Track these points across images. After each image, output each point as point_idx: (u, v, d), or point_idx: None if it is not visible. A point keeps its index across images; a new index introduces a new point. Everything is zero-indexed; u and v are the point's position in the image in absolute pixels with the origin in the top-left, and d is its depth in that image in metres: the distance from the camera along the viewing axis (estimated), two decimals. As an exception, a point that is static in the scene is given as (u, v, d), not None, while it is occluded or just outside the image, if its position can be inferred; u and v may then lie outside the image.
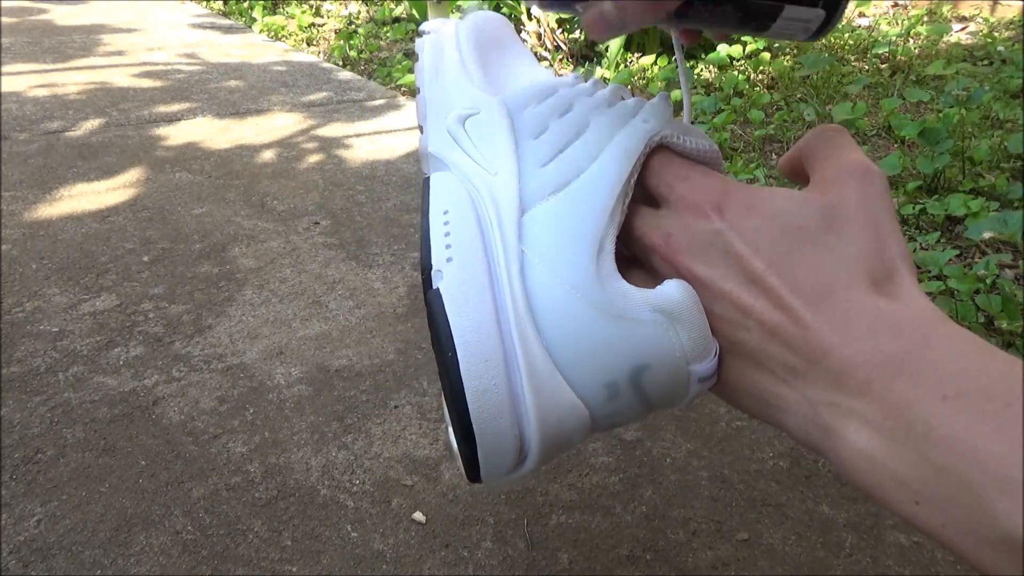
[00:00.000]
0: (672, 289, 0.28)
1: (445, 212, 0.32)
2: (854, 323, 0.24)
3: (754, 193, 0.28)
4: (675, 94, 1.42)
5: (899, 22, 2.45)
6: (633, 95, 0.39)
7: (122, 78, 1.69)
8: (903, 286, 0.25)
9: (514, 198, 0.32)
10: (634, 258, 0.31)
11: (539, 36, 2.07)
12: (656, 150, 0.31)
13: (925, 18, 2.51)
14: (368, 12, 2.71)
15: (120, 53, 1.97)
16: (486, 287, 0.29)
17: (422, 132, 0.39)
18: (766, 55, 1.83)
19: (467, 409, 0.27)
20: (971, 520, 0.21)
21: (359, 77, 1.75)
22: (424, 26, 0.44)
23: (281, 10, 2.68)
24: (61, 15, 2.54)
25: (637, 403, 0.29)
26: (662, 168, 0.30)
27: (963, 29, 2.41)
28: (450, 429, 0.29)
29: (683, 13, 0.32)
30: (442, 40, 0.42)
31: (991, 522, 0.20)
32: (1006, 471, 0.20)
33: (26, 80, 1.64)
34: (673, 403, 0.29)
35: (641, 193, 0.31)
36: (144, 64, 1.84)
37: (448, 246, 0.31)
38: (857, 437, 0.23)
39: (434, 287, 0.29)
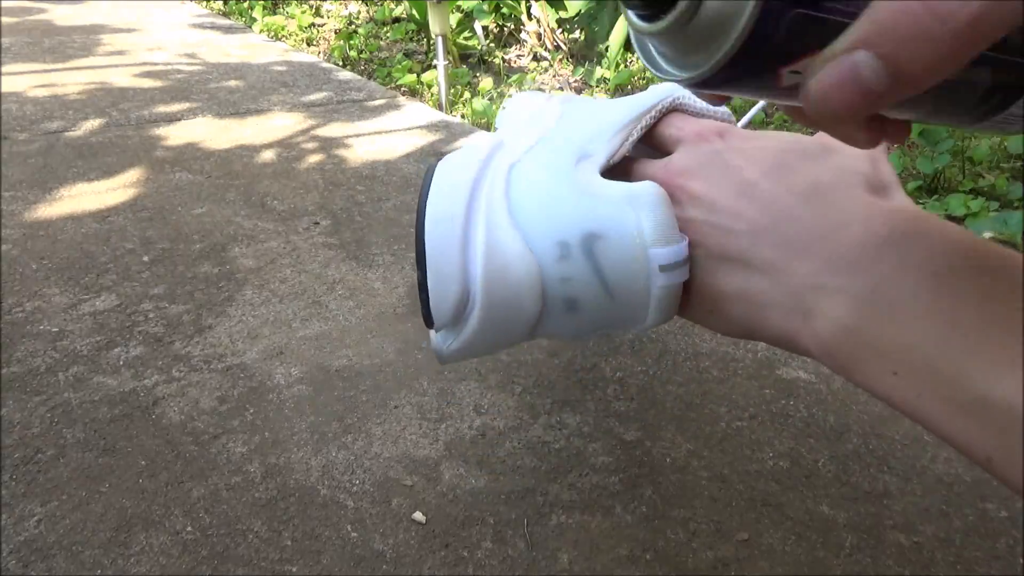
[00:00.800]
0: (642, 184, 0.29)
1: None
2: (850, 213, 0.25)
3: (758, 131, 0.29)
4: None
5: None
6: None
7: (122, 78, 1.69)
8: (897, 196, 0.26)
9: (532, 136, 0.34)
10: None
11: (539, 36, 2.07)
12: (672, 111, 0.32)
13: (925, 18, 2.51)
14: (368, 12, 2.71)
15: (120, 53, 1.97)
16: (477, 162, 0.32)
17: None
18: (766, 55, 1.83)
19: (423, 230, 0.29)
20: (947, 386, 0.21)
21: (359, 77, 1.75)
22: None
23: (281, 10, 2.68)
24: (61, 15, 2.54)
25: (590, 274, 0.29)
26: (676, 119, 0.32)
27: (963, 29, 2.40)
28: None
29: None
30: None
31: (966, 384, 0.21)
32: (983, 335, 0.20)
33: (26, 80, 1.64)
34: (633, 288, 0.29)
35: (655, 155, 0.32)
36: (144, 64, 1.84)
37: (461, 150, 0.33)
38: (840, 312, 0.23)
39: None
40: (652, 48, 0.21)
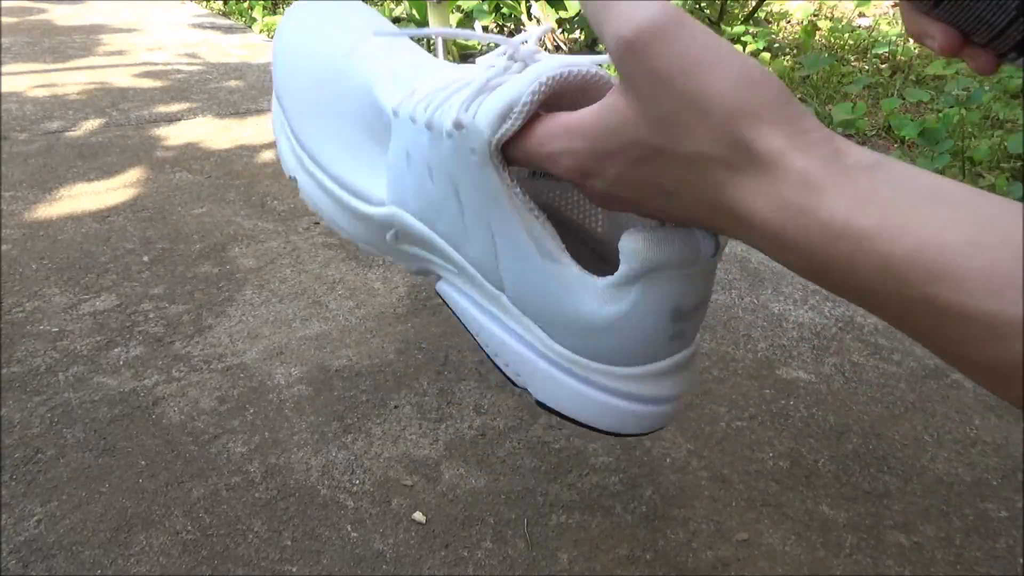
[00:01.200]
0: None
1: None
2: (814, 144, 0.27)
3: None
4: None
5: (899, 22, 2.44)
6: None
7: (122, 78, 1.69)
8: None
9: None
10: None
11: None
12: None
13: (925, 18, 2.50)
14: (368, 12, 2.71)
15: (120, 53, 1.97)
16: None
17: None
18: (766, 55, 1.83)
19: None
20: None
21: (359, 77, 1.75)
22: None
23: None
24: (61, 15, 2.54)
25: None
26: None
27: (963, 29, 2.40)
28: None
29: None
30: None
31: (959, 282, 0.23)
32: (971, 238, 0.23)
33: (26, 80, 1.64)
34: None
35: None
36: (144, 64, 1.84)
37: None
38: (837, 203, 0.26)
39: None
40: None
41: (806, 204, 0.27)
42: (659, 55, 0.28)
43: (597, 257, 0.44)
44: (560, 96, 0.38)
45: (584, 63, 0.38)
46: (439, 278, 0.46)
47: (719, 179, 0.29)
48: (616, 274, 0.37)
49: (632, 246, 0.37)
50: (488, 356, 0.44)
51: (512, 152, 0.34)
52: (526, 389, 0.42)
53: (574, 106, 0.36)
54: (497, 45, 0.40)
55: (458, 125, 0.37)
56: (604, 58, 0.38)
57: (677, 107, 0.28)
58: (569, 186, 0.44)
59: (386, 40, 0.49)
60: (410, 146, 0.41)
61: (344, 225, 0.47)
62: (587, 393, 0.41)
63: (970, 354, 0.24)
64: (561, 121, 0.32)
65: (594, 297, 0.39)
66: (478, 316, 0.44)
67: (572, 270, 0.39)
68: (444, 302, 0.45)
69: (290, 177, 0.49)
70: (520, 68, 0.39)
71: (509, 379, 0.45)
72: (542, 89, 0.36)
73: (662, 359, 0.39)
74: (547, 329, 0.41)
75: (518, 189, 0.38)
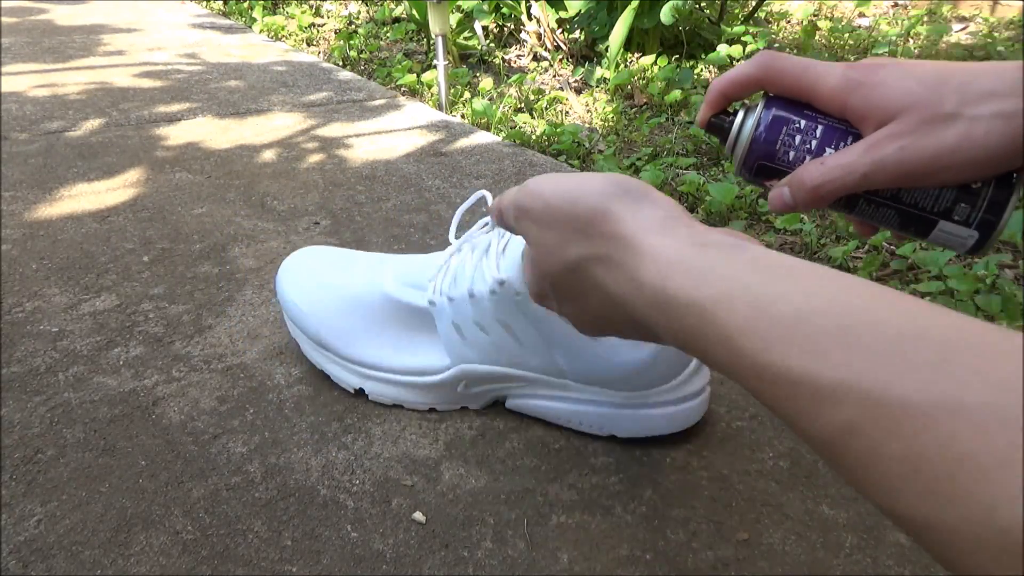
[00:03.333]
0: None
1: None
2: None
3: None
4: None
5: (899, 22, 2.44)
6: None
7: (122, 78, 1.69)
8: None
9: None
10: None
11: (539, 36, 2.07)
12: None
13: (925, 18, 2.51)
14: (368, 12, 2.71)
15: (120, 53, 1.97)
16: None
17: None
18: (766, 55, 1.83)
19: None
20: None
21: (359, 77, 1.75)
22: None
23: (281, 10, 2.68)
24: (61, 15, 2.54)
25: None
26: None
27: (963, 29, 2.41)
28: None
29: (851, 208, 0.42)
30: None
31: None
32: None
33: (26, 80, 1.64)
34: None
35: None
36: (144, 64, 1.84)
37: None
38: (683, 279, 0.30)
39: None
40: (729, 157, 0.46)
41: (656, 280, 0.29)
42: (529, 209, 0.37)
43: None
44: None
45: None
46: (505, 400, 0.59)
47: (598, 274, 0.33)
48: None
49: None
50: (574, 430, 0.58)
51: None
52: (613, 435, 0.57)
53: None
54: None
55: (500, 282, 0.52)
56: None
57: (549, 232, 0.35)
58: None
59: (368, 260, 0.64)
60: (455, 318, 0.55)
61: (422, 399, 0.60)
62: (652, 414, 0.55)
63: (804, 425, 0.23)
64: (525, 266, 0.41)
65: (632, 348, 0.53)
66: (554, 405, 0.57)
67: (611, 337, 0.51)
68: (521, 413, 0.59)
69: (357, 391, 0.61)
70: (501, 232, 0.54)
71: (595, 435, 0.58)
72: None
73: (688, 364, 0.55)
74: (609, 385, 0.55)
75: None
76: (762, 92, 0.44)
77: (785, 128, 0.42)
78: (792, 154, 0.42)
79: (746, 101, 0.45)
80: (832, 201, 0.41)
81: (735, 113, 0.45)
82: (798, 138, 0.42)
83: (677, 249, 0.29)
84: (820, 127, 0.42)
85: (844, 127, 0.41)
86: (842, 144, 0.41)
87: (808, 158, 0.42)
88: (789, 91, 0.42)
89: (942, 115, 0.36)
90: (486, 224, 0.56)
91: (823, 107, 0.42)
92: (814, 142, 0.42)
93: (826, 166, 0.40)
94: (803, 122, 0.42)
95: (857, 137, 0.41)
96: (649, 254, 0.30)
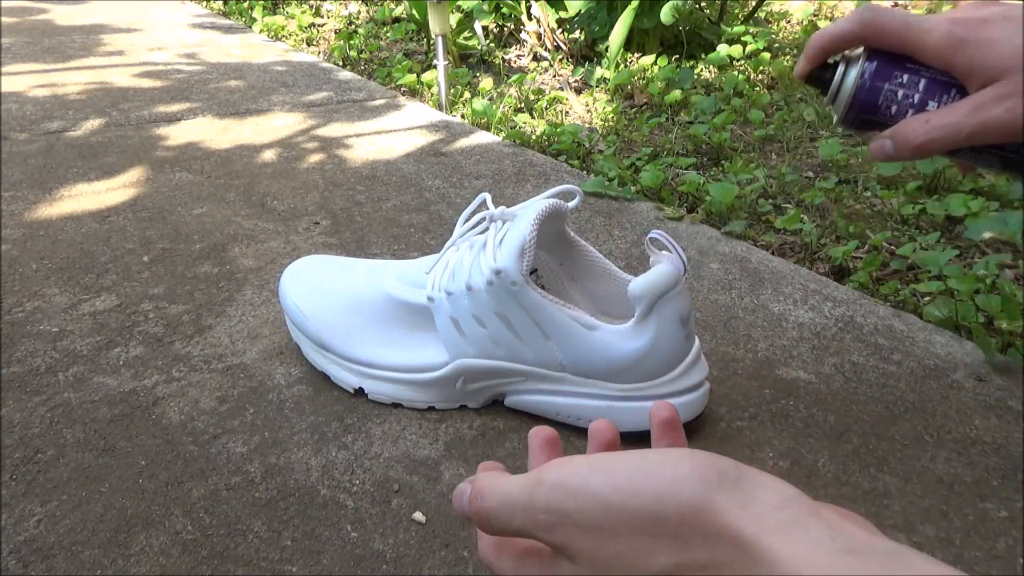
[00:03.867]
0: None
1: None
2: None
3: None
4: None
5: (899, 22, 2.43)
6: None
7: (122, 78, 1.69)
8: None
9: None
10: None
11: (539, 36, 2.07)
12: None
13: (925, 18, 2.50)
14: (368, 12, 2.71)
15: (120, 53, 1.97)
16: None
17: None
18: (766, 55, 1.83)
19: None
20: None
21: (359, 77, 1.75)
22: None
23: (281, 10, 2.68)
24: (61, 15, 2.54)
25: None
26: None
27: (963, 29, 2.40)
28: None
29: (952, 153, 0.43)
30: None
31: None
32: None
33: (26, 80, 1.64)
34: None
35: None
36: (144, 64, 1.84)
37: None
38: None
39: None
40: (830, 109, 0.48)
41: None
42: (573, 513, 0.26)
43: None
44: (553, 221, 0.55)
45: (552, 201, 0.53)
46: (504, 398, 0.59)
47: None
48: (635, 315, 0.52)
49: (638, 291, 0.51)
50: (574, 428, 0.57)
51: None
52: None
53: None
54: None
55: (497, 272, 0.52)
56: (572, 204, 0.55)
57: (614, 541, 0.25)
58: (561, 284, 0.61)
59: (369, 264, 0.65)
60: (453, 313, 0.56)
61: (421, 397, 0.60)
62: (651, 407, 0.53)
63: None
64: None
65: (628, 338, 0.53)
66: (553, 399, 0.57)
67: (607, 328, 0.53)
68: (520, 413, 0.59)
69: (357, 391, 0.61)
70: (500, 225, 0.55)
71: None
72: (535, 227, 0.52)
73: (686, 356, 0.55)
74: (606, 377, 0.55)
75: (548, 295, 0.53)
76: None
77: (888, 82, 0.42)
78: (894, 107, 0.42)
79: (846, 53, 0.45)
80: (944, 153, 0.42)
81: (835, 65, 0.45)
82: (900, 92, 0.42)
83: (815, 557, 0.22)
84: (923, 80, 0.41)
85: (947, 79, 0.41)
86: (945, 98, 0.41)
87: (911, 111, 0.42)
88: (892, 47, 0.42)
89: None
90: (483, 222, 0.57)
91: (926, 62, 0.41)
92: (917, 96, 0.42)
93: (931, 124, 0.39)
94: (906, 76, 0.42)
95: (960, 90, 0.41)
96: (778, 562, 0.22)
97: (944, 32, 0.39)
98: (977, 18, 0.39)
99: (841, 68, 0.44)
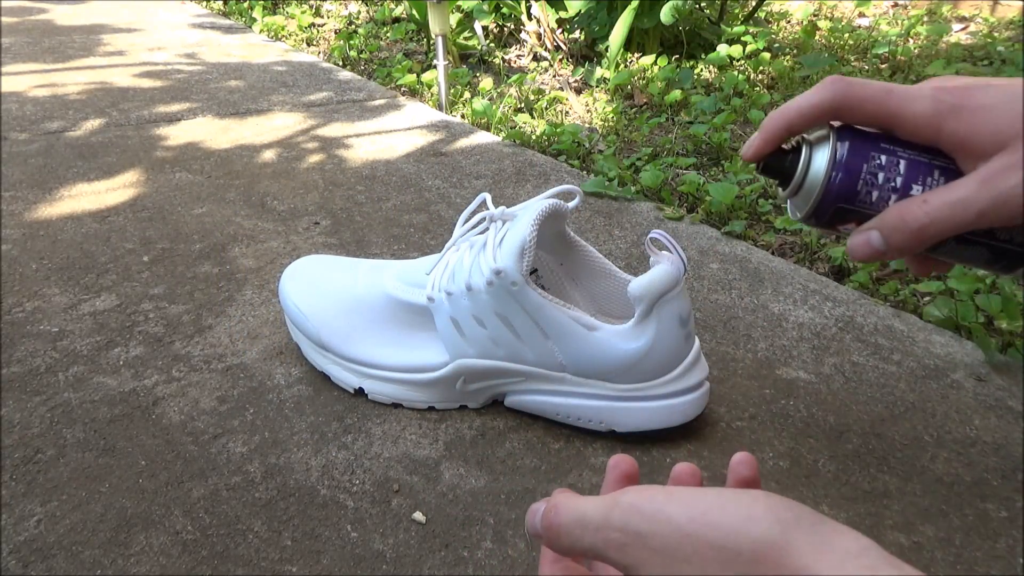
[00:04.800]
0: None
1: None
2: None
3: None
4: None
5: (899, 22, 2.44)
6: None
7: (122, 78, 1.69)
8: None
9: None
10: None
11: (539, 36, 2.07)
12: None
13: (925, 18, 2.51)
14: (368, 12, 2.71)
15: (120, 53, 1.97)
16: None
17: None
18: (766, 55, 1.83)
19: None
20: None
21: (359, 77, 1.75)
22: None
23: (281, 10, 2.68)
24: (61, 15, 2.54)
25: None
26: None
27: (963, 29, 2.41)
28: None
29: (936, 248, 0.38)
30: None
31: None
32: None
33: (26, 80, 1.64)
34: None
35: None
36: (144, 64, 1.84)
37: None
38: None
39: None
40: (788, 204, 0.41)
41: None
42: (649, 536, 0.25)
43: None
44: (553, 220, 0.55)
45: (552, 201, 0.53)
46: (504, 398, 0.59)
47: None
48: (635, 315, 0.53)
49: (638, 291, 0.51)
50: (572, 426, 0.57)
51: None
52: (612, 430, 0.56)
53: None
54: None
55: (497, 272, 0.52)
56: (572, 204, 0.55)
57: (687, 566, 0.25)
58: (561, 284, 0.61)
59: (369, 264, 0.64)
60: (453, 313, 0.56)
61: (421, 397, 0.60)
62: (651, 407, 0.55)
63: None
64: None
65: (628, 338, 0.53)
66: (553, 399, 0.57)
67: (607, 328, 0.54)
68: (520, 413, 0.59)
69: (357, 391, 0.61)
70: (500, 225, 0.55)
71: (596, 434, 0.57)
72: (535, 228, 0.52)
73: (686, 356, 0.55)
74: (606, 378, 0.55)
75: (548, 295, 0.53)
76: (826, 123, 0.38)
77: (866, 164, 0.37)
78: (875, 194, 0.37)
79: (804, 135, 0.39)
80: (935, 243, 0.36)
81: (793, 150, 0.39)
82: (880, 175, 0.36)
83: None
84: (903, 161, 0.36)
85: (927, 159, 0.36)
86: (930, 180, 0.36)
87: (894, 197, 0.36)
88: (869, 119, 0.37)
89: None
90: (483, 222, 0.57)
91: (908, 135, 0.37)
92: (899, 179, 0.36)
93: (931, 204, 0.35)
94: (883, 156, 0.37)
95: (945, 171, 0.36)
96: None
97: (929, 99, 0.35)
98: (961, 85, 0.35)
99: (805, 152, 0.38)
